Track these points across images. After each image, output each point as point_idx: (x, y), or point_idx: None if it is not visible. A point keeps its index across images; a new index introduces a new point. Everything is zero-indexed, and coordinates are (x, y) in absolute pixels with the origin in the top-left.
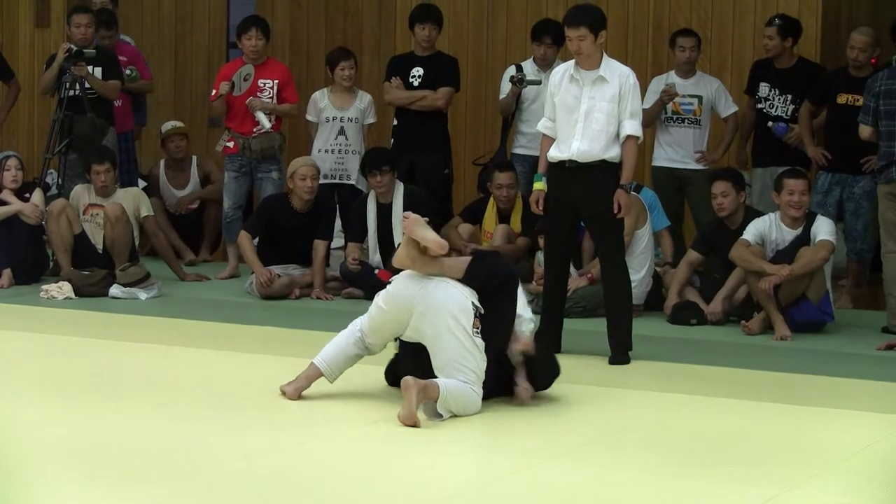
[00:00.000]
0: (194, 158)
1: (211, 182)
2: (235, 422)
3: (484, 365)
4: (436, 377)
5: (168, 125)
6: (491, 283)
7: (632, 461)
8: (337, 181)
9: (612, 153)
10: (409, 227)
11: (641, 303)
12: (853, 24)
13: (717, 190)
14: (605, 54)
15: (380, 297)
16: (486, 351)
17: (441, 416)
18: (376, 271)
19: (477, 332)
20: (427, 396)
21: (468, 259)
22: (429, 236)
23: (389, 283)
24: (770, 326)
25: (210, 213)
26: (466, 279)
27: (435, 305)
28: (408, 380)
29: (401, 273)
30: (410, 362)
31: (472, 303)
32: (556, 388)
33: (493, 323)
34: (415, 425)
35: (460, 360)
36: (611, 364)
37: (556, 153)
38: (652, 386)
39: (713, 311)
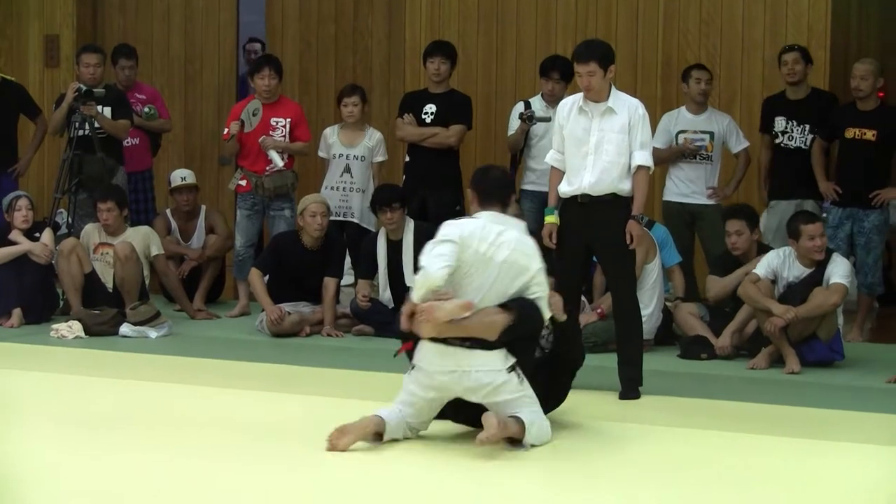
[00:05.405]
0: (203, 209)
1: (214, 233)
2: (248, 460)
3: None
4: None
5: (176, 178)
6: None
7: (641, 496)
8: (341, 218)
9: (624, 185)
10: (430, 314)
11: (651, 337)
12: (862, 57)
13: (731, 228)
14: (613, 87)
15: (412, 382)
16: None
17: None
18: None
19: (521, 378)
20: (507, 433)
21: (497, 320)
22: (448, 307)
23: (409, 353)
24: (777, 360)
25: (208, 266)
26: (501, 338)
27: (476, 388)
28: (489, 417)
29: (424, 348)
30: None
31: (505, 370)
32: (565, 421)
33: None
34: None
35: (515, 403)
36: (621, 399)
37: (567, 188)
38: (662, 421)
39: (722, 345)
